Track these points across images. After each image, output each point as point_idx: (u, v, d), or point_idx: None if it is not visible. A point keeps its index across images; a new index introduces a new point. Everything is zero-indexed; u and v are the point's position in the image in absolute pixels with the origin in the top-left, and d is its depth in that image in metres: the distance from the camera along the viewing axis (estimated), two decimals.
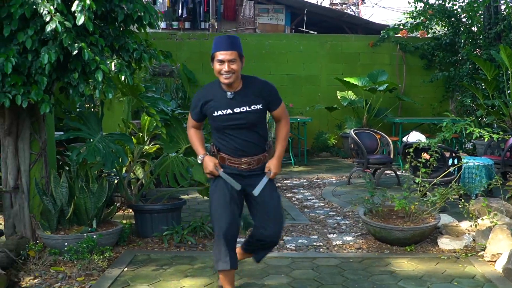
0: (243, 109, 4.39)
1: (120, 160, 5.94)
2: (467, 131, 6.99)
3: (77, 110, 6.79)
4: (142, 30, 5.84)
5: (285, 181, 10.73)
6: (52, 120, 6.50)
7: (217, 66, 4.33)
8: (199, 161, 4.55)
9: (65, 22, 4.87)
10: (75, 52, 4.98)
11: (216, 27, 16.75)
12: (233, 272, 4.65)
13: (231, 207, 4.47)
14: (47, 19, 4.82)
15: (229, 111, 4.39)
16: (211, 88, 4.52)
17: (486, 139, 7.00)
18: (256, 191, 4.48)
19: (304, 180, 10.93)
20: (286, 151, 12.31)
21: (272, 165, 4.54)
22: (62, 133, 6.66)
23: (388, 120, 13.68)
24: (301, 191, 9.85)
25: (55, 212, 5.90)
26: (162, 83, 12.48)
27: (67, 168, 6.41)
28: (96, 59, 5.08)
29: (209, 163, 4.47)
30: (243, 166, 4.51)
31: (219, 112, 4.41)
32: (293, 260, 5.88)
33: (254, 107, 4.41)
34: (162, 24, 16.84)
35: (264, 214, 4.56)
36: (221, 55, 4.31)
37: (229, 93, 4.40)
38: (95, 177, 6.26)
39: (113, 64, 5.24)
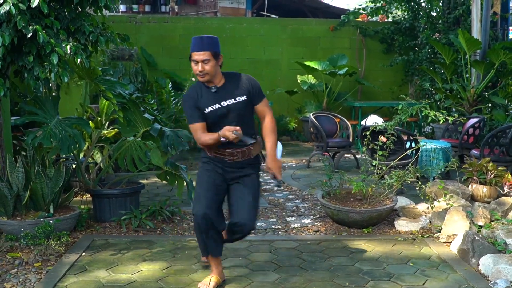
0: (229, 101, 4.49)
1: (77, 144, 5.88)
2: (423, 114, 7.08)
3: (34, 94, 6.69)
4: (99, 13, 5.78)
5: None
6: (7, 104, 6.41)
7: (193, 66, 4.43)
8: (222, 140, 4.38)
9: (19, 4, 4.81)
10: (30, 34, 4.93)
11: (177, 10, 16.61)
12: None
13: (214, 191, 4.62)
14: (0, 1, 4.75)
15: (218, 105, 4.48)
16: (195, 88, 4.59)
17: (441, 122, 7.08)
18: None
19: (264, 164, 10.89)
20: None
21: (272, 167, 4.88)
22: (18, 117, 6.57)
23: (347, 104, 13.74)
24: (261, 174, 9.81)
25: (11, 198, 5.83)
26: (121, 66, 12.34)
27: (24, 153, 6.33)
28: (51, 42, 5.01)
29: (227, 132, 4.34)
30: (227, 157, 4.63)
31: (210, 108, 4.49)
32: (252, 243, 5.92)
33: (239, 99, 4.52)
34: (122, 7, 16.67)
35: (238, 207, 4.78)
36: (195, 55, 4.38)
37: (212, 88, 4.49)
38: (52, 162, 6.19)
39: (68, 47, 5.18)
